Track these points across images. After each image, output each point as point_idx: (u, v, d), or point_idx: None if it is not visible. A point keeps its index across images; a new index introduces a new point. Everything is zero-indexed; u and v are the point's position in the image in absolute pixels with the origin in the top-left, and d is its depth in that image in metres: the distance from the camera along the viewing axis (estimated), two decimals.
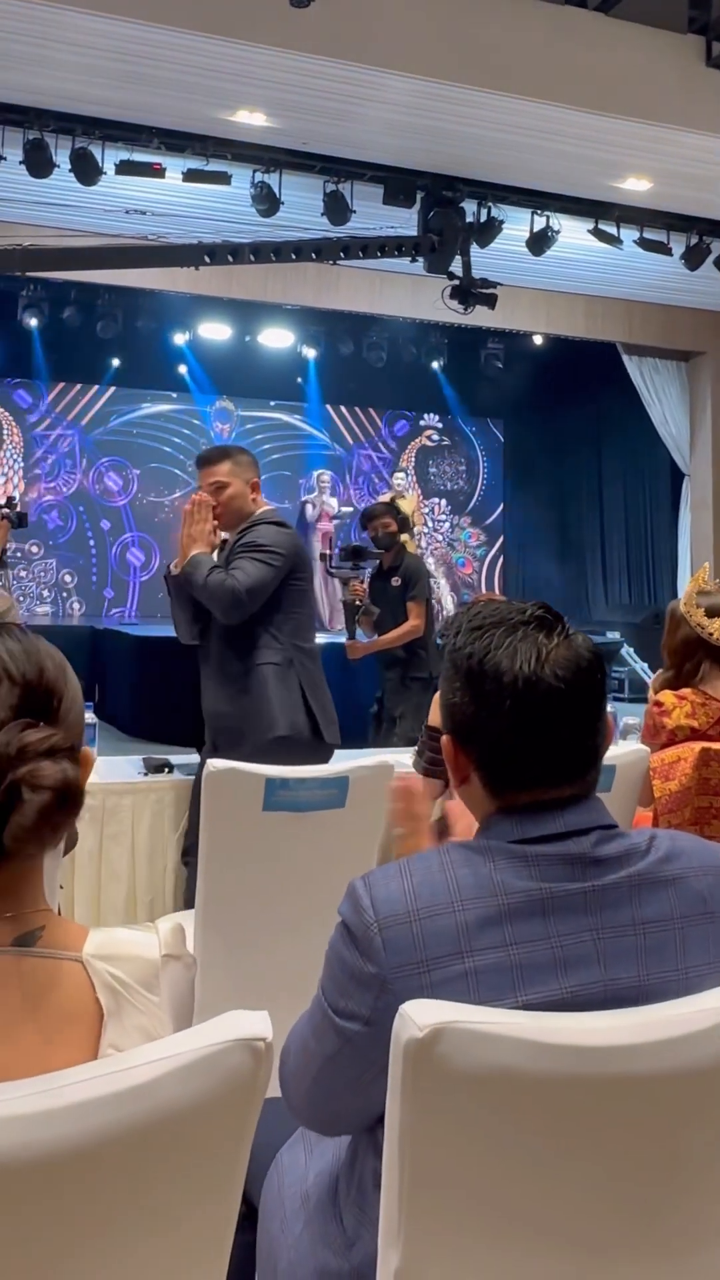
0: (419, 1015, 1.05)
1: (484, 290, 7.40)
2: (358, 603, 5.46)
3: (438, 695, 3.47)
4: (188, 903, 3.07)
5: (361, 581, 5.55)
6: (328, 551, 6.55)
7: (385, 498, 11.31)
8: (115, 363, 11.52)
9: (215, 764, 2.45)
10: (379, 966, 1.16)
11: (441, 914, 1.16)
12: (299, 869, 2.51)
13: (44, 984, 1.06)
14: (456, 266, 7.41)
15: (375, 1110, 1.23)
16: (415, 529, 10.73)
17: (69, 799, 1.02)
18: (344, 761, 2.64)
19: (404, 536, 5.83)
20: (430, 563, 12.64)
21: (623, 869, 1.21)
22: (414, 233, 7.29)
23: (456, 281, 7.42)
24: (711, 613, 2.99)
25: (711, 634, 2.97)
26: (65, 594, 12.04)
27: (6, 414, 11.69)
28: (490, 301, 7.55)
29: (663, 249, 7.90)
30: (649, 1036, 1.09)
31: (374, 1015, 1.16)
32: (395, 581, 5.61)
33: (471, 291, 7.37)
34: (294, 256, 7.07)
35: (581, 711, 1.23)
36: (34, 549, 11.82)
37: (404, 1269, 1.09)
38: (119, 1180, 0.95)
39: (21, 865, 1.08)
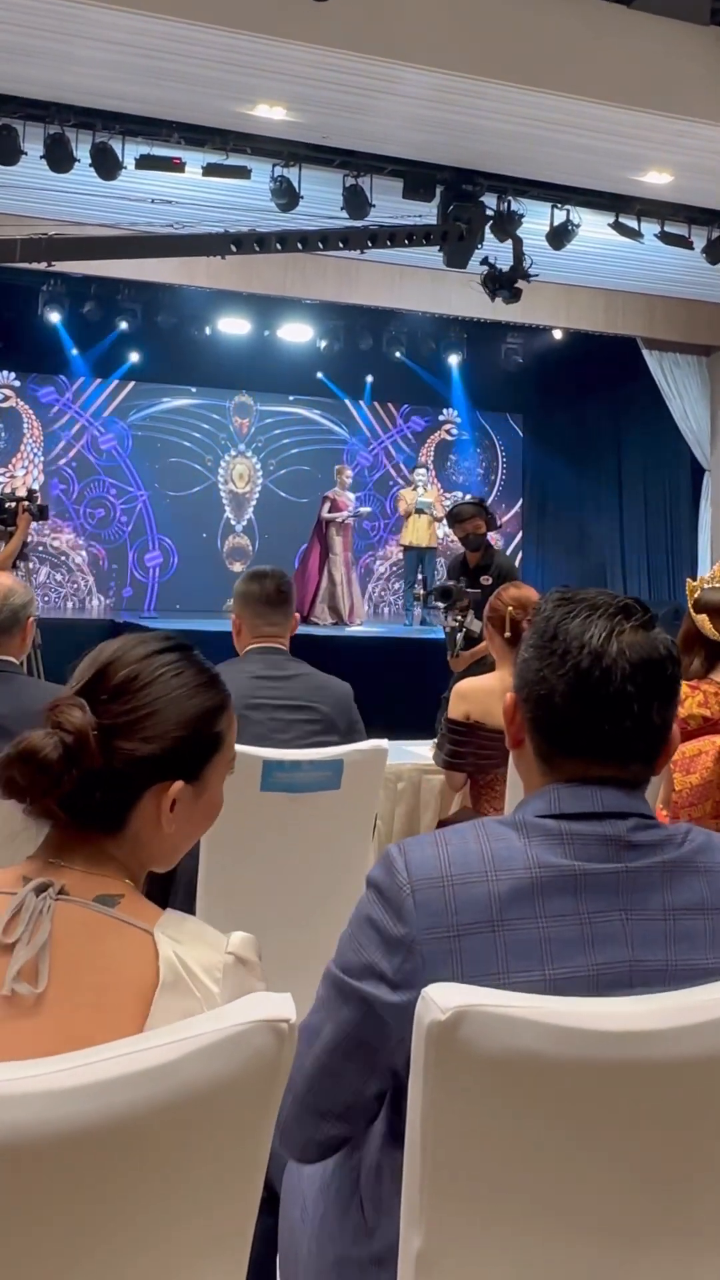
0: (441, 998, 1.05)
1: (515, 283, 7.41)
2: (457, 622, 5.47)
3: (455, 689, 3.48)
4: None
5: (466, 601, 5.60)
6: (422, 591, 6.80)
7: (407, 493, 11.36)
8: (135, 357, 11.55)
9: None
10: (409, 927, 1.16)
11: (475, 881, 1.17)
12: (295, 848, 2.57)
13: (112, 944, 1.09)
14: (491, 257, 7.41)
15: (371, 1108, 1.24)
16: (440, 521, 10.75)
17: (23, 761, 1.11)
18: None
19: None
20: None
21: (656, 855, 1.22)
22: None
23: (489, 268, 7.42)
24: (700, 607, 3.06)
25: (702, 627, 3.05)
26: (86, 591, 12.10)
27: (27, 408, 11.73)
28: (515, 294, 7.56)
29: (684, 243, 7.87)
30: (672, 1022, 1.09)
31: (398, 978, 1.16)
32: (486, 580, 5.66)
33: (513, 281, 7.37)
34: (321, 245, 7.07)
35: (641, 699, 1.23)
36: (54, 543, 11.88)
37: (425, 1251, 1.09)
38: (144, 1159, 0.96)
39: (115, 836, 1.16)
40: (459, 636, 5.49)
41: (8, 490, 9.09)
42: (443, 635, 5.62)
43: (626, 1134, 1.10)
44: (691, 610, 3.10)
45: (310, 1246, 1.38)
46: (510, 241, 7.45)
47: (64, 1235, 0.95)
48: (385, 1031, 1.18)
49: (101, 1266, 0.97)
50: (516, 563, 13.38)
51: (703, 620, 3.05)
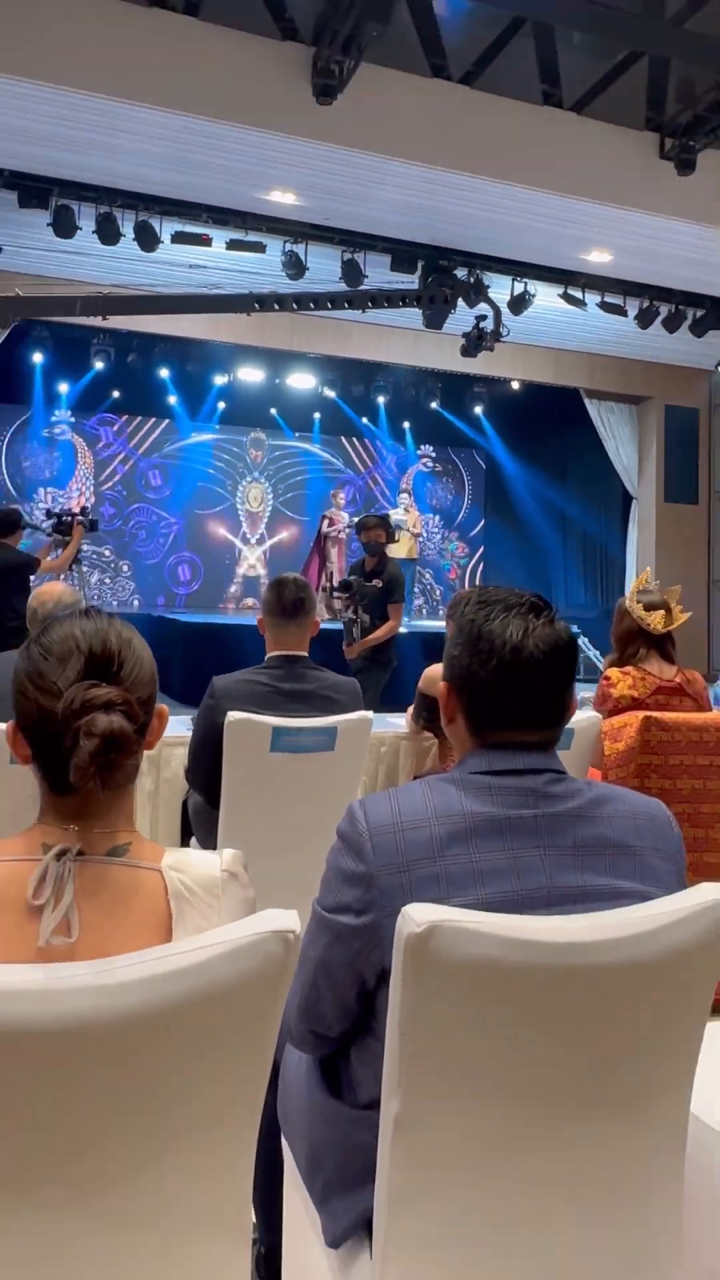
0: (417, 914, 1.06)
1: (484, 343, 7.41)
2: (353, 616, 5.54)
3: (426, 673, 3.48)
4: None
5: (353, 596, 5.61)
6: (328, 584, 6.75)
7: (392, 513, 11.34)
8: (170, 400, 11.52)
9: (234, 715, 2.50)
10: (368, 866, 1.19)
11: (420, 827, 1.20)
12: (298, 796, 2.61)
13: (129, 888, 1.08)
14: (476, 321, 7.42)
15: (352, 1012, 1.25)
16: (418, 537, 10.71)
17: (115, 743, 1.04)
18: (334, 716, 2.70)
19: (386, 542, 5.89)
20: (430, 574, 12.74)
21: (567, 803, 1.25)
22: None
23: (479, 331, 7.42)
24: (649, 607, 3.07)
25: (649, 624, 3.05)
26: (129, 595, 12.06)
27: (81, 440, 11.70)
28: (474, 352, 7.57)
29: (620, 311, 7.88)
30: (605, 935, 1.10)
31: (361, 906, 1.19)
32: (377, 584, 5.63)
33: (494, 340, 7.38)
34: (329, 305, 7.06)
35: (551, 680, 1.28)
36: (107, 554, 11.84)
37: (401, 1115, 1.10)
38: (179, 1041, 0.97)
39: (116, 792, 1.09)
40: (354, 628, 5.52)
41: (64, 508, 9.04)
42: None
43: (569, 1023, 1.12)
44: (639, 610, 3.08)
45: (299, 1106, 1.39)
46: (476, 308, 7.44)
47: (111, 1104, 0.95)
48: (356, 949, 1.20)
49: (137, 1130, 0.97)
50: (479, 571, 13.42)
51: (651, 616, 3.04)
